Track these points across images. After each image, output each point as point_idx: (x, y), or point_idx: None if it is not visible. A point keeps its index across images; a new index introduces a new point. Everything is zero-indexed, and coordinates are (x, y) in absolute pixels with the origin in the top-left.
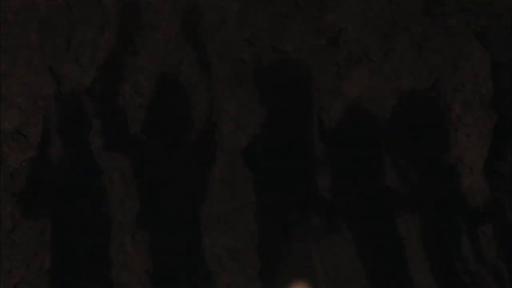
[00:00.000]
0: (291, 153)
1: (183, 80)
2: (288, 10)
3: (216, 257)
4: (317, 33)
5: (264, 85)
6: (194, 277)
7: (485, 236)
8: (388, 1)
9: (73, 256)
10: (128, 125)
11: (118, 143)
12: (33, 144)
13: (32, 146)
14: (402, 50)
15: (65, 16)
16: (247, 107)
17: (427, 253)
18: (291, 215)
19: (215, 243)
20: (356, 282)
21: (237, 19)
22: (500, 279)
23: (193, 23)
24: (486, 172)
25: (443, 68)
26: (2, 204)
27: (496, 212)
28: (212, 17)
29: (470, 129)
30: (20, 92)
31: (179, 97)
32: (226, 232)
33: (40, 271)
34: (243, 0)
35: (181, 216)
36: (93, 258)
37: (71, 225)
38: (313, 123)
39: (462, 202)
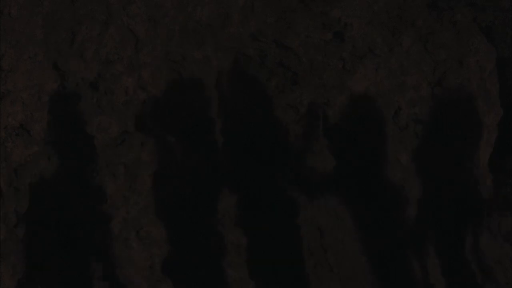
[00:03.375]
0: (297, 146)
1: (187, 76)
2: (293, 5)
3: (225, 251)
4: (322, 28)
5: (269, 80)
6: (204, 270)
7: (490, 230)
8: None
9: (78, 252)
10: (132, 120)
11: (122, 138)
12: (37, 139)
13: (36, 142)
14: (407, 45)
15: (69, 11)
16: (251, 102)
17: (434, 248)
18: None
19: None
20: (361, 277)
21: (243, 14)
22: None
23: (198, 18)
24: (491, 167)
25: (449, 63)
26: (6, 199)
27: (503, 206)
28: (217, 11)
29: (475, 123)
30: (24, 88)
31: (183, 92)
32: (237, 226)
33: (44, 267)
34: None
35: (191, 210)
36: (98, 254)
37: (75, 221)
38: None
39: (468, 196)
